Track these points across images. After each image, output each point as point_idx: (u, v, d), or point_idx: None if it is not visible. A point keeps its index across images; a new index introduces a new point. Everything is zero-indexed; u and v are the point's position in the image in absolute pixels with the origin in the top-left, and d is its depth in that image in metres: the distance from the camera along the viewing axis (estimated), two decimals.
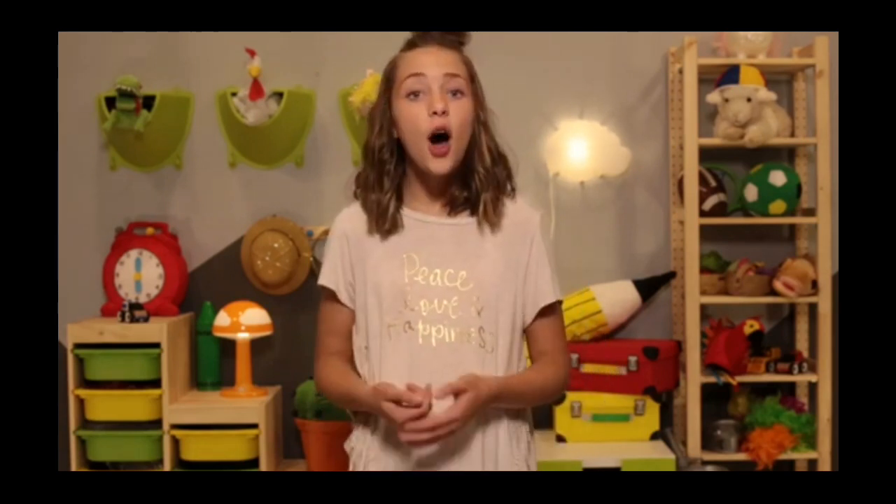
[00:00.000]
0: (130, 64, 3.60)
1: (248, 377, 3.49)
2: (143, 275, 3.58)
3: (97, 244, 3.66)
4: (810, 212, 3.52)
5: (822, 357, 3.41)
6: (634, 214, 3.68)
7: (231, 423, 3.32)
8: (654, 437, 3.43)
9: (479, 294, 1.96)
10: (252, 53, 3.47)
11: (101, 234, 3.67)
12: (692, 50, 3.36)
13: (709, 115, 3.53)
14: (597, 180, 3.66)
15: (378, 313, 1.98)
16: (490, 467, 1.96)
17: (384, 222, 1.99)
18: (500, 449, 1.98)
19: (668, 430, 3.50)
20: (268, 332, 3.53)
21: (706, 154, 3.46)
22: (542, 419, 3.41)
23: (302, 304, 3.60)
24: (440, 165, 1.96)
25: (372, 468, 1.99)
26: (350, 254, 2.03)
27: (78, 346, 3.34)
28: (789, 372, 3.45)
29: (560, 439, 3.44)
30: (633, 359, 3.41)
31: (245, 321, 3.46)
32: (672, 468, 3.23)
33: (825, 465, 3.42)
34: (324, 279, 2.05)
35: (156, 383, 3.35)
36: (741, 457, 3.44)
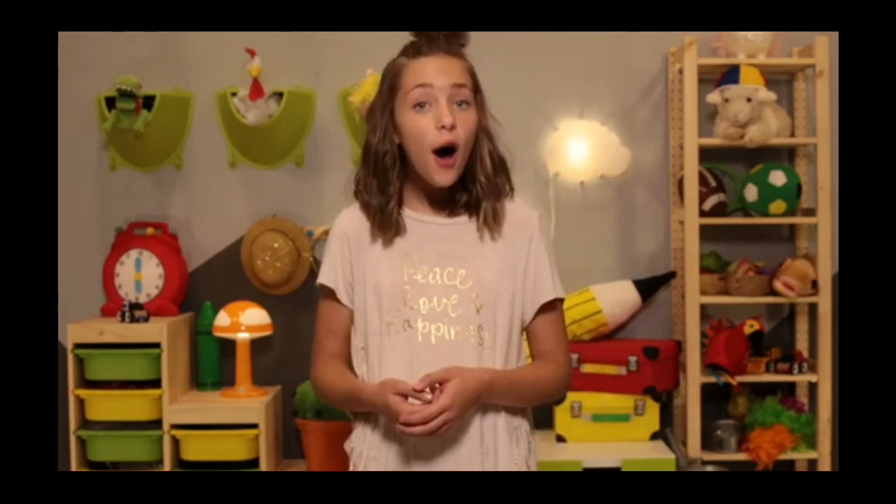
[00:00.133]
0: (130, 64, 3.60)
1: (248, 377, 3.49)
2: (143, 275, 3.58)
3: (97, 244, 3.66)
4: (810, 212, 3.52)
5: (822, 357, 3.41)
6: (634, 214, 3.68)
7: (231, 423, 3.32)
8: (654, 437, 3.43)
9: (478, 292, 1.97)
10: (252, 53, 3.47)
11: (101, 234, 3.67)
12: (692, 50, 3.36)
13: (709, 115, 3.53)
14: (597, 180, 3.66)
15: (377, 312, 1.98)
16: (490, 467, 1.96)
17: (388, 229, 1.99)
18: (500, 448, 1.98)
19: (668, 430, 3.50)
20: (268, 332, 3.53)
21: (706, 154, 3.46)
22: (542, 419, 3.41)
23: (302, 304, 3.60)
24: (445, 178, 1.96)
25: (372, 468, 1.99)
26: (350, 254, 2.03)
27: (78, 346, 3.35)
28: (789, 372, 3.45)
29: (560, 439, 3.44)
30: (633, 359, 3.41)
31: (245, 321, 3.46)
32: (672, 468, 3.23)
33: (825, 465, 3.42)
34: (323, 278, 2.05)
35: (156, 383, 3.35)
36: (741, 457, 3.44)
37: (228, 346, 3.55)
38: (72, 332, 3.34)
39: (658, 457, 3.28)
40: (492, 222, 1.99)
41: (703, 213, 3.44)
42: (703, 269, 3.48)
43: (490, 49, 3.36)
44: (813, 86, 3.45)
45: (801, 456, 3.46)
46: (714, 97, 3.39)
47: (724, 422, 3.51)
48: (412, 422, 1.83)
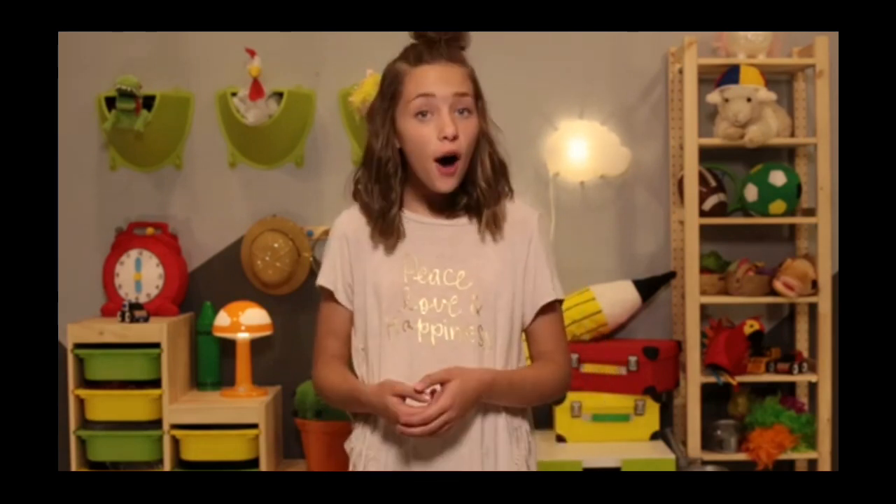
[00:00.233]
0: (130, 64, 3.60)
1: (248, 377, 3.49)
2: (143, 275, 3.58)
3: (97, 244, 3.66)
4: (810, 212, 3.52)
5: (822, 357, 3.41)
6: (634, 214, 3.68)
7: (231, 423, 3.32)
8: (654, 437, 3.43)
9: (477, 293, 1.97)
10: (252, 53, 3.47)
11: (101, 234, 3.67)
12: (692, 50, 3.36)
13: (709, 115, 3.53)
14: (597, 180, 3.66)
15: (377, 313, 1.98)
16: (489, 467, 1.96)
17: (390, 234, 1.99)
18: (500, 448, 1.98)
19: (668, 430, 3.50)
20: (268, 332, 3.53)
21: (706, 154, 3.46)
22: (542, 419, 3.41)
23: (302, 304, 3.60)
24: (446, 185, 1.96)
25: (371, 468, 1.99)
26: (349, 255, 2.03)
27: (78, 346, 3.35)
28: (789, 372, 3.45)
29: (560, 439, 3.44)
30: (633, 359, 3.41)
31: (245, 321, 3.46)
32: (672, 468, 3.23)
33: (825, 465, 3.42)
34: (322, 279, 2.05)
35: (156, 383, 3.35)
36: (741, 457, 3.44)
37: (228, 346, 3.55)
38: (72, 332, 3.34)
39: (658, 457, 3.28)
40: (493, 227, 2.00)
41: (703, 213, 3.44)
42: (703, 269, 3.48)
43: (490, 49, 3.36)
44: (813, 86, 3.45)
45: (801, 456, 3.46)
46: (714, 97, 3.39)
47: (724, 422, 3.51)
48: (412, 423, 1.84)
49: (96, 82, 3.58)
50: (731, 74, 3.38)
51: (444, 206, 2.02)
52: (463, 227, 2.02)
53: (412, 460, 1.96)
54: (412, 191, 2.03)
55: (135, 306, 3.41)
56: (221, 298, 3.57)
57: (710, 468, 3.35)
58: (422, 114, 1.94)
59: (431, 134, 1.93)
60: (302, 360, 3.52)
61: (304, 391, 3.44)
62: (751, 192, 3.43)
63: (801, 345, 3.62)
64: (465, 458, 1.95)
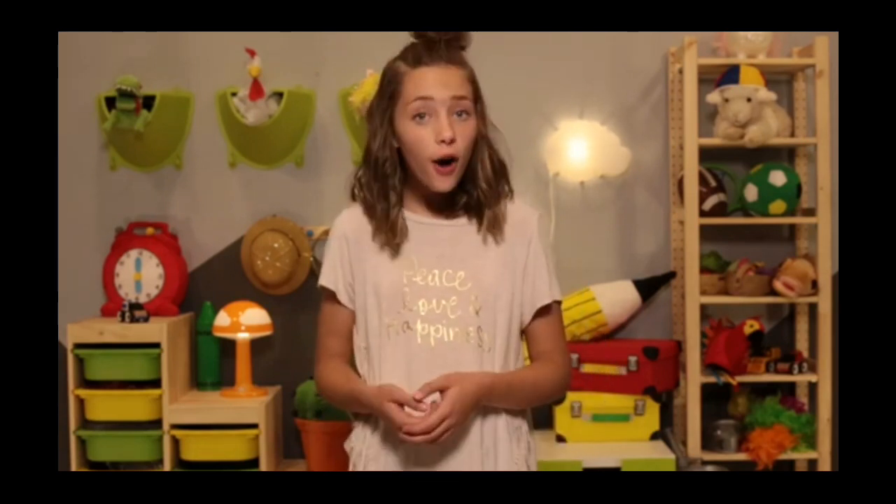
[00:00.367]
0: (130, 64, 3.60)
1: (248, 377, 3.49)
2: (143, 275, 3.58)
3: (97, 244, 3.66)
4: (810, 212, 3.52)
5: (822, 357, 3.41)
6: (634, 214, 3.68)
7: (231, 423, 3.32)
8: (654, 437, 3.43)
9: (477, 294, 1.97)
10: (252, 53, 3.47)
11: (101, 234, 3.67)
12: (692, 50, 3.36)
13: (709, 115, 3.53)
14: (597, 180, 3.66)
15: (377, 313, 1.98)
16: (489, 466, 1.96)
17: (393, 236, 1.99)
18: (500, 448, 1.98)
19: (668, 430, 3.50)
20: (268, 332, 3.53)
21: (706, 154, 3.46)
22: (542, 419, 3.42)
23: (302, 304, 3.60)
24: (444, 184, 1.96)
25: (371, 468, 1.99)
26: (350, 255, 2.03)
27: (78, 346, 3.35)
28: (789, 372, 3.45)
29: (560, 439, 3.44)
30: (633, 359, 3.41)
31: (245, 321, 3.46)
32: (672, 468, 3.23)
33: (825, 465, 3.42)
34: (323, 280, 2.05)
35: (156, 383, 3.35)
36: (741, 457, 3.44)
37: (228, 346, 3.55)
38: (72, 332, 3.34)
39: (658, 457, 3.28)
40: (494, 229, 2.00)
41: (703, 213, 3.44)
42: (703, 269, 3.48)
43: (490, 49, 3.35)
44: (813, 86, 3.45)
45: (801, 456, 3.46)
46: (714, 97, 3.39)
47: (724, 422, 3.51)
48: (414, 431, 1.84)
49: (96, 82, 3.58)
50: (731, 74, 3.38)
51: (444, 206, 2.02)
52: (462, 228, 2.02)
53: (412, 460, 1.96)
54: (411, 191, 2.03)
55: (135, 306, 3.41)
56: (221, 298, 3.56)
57: (710, 468, 3.35)
58: (420, 116, 1.94)
59: (429, 136, 1.93)
60: (302, 360, 3.53)
61: (304, 391, 3.44)
62: (751, 192, 3.43)
63: (801, 345, 3.62)
64: (465, 458, 1.95)
